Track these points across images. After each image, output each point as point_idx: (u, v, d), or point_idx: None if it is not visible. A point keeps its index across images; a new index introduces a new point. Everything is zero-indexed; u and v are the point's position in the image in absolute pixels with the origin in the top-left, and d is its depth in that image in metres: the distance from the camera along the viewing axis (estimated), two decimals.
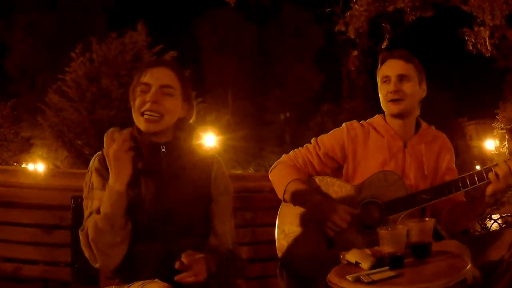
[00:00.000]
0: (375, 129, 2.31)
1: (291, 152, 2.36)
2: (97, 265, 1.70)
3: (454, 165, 2.33)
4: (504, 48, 20.12)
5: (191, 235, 1.78)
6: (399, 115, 2.25)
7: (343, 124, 2.36)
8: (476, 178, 2.04)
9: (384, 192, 2.14)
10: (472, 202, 2.15)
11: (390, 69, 2.24)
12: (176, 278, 1.59)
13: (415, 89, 2.25)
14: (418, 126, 2.32)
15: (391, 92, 2.21)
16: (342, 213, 2.06)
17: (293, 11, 34.67)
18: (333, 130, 2.36)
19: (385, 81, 2.25)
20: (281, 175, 2.25)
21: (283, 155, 2.37)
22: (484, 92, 35.32)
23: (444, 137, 2.36)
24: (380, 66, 2.31)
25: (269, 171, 2.34)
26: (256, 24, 35.28)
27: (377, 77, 2.32)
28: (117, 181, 1.65)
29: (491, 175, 2.01)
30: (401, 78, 2.22)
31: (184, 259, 1.60)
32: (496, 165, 2.01)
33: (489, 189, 2.03)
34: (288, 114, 34.07)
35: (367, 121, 2.36)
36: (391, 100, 2.22)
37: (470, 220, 2.22)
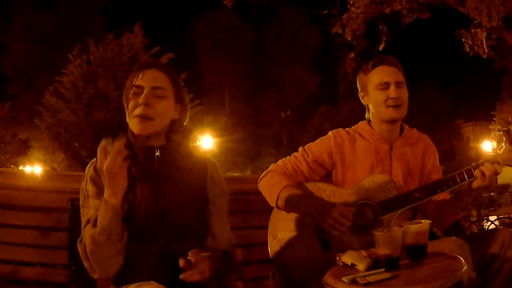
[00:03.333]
0: (360, 135, 2.35)
1: (279, 161, 2.37)
2: (95, 276, 1.70)
3: (438, 164, 2.40)
4: (501, 50, 20.21)
5: (188, 237, 1.78)
6: (394, 120, 2.30)
7: (329, 132, 2.39)
8: (465, 176, 2.11)
9: (377, 194, 2.17)
10: (456, 197, 2.21)
11: (387, 76, 2.28)
12: (181, 276, 1.59)
13: (407, 95, 2.32)
14: (401, 129, 2.38)
15: (392, 98, 2.26)
16: (342, 210, 2.06)
17: (290, 13, 34.60)
18: (320, 138, 2.40)
19: (384, 88, 2.28)
20: (272, 183, 2.26)
21: (271, 165, 2.38)
22: (481, 93, 35.51)
23: (427, 138, 2.43)
24: (371, 70, 2.33)
25: (259, 180, 2.34)
26: (253, 26, 35.27)
27: (368, 82, 2.35)
28: (113, 196, 1.63)
29: (477, 172, 2.08)
30: (398, 84, 2.28)
31: (191, 257, 1.60)
32: (483, 164, 2.08)
33: (474, 184, 2.11)
34: (288, 112, 34.03)
35: (352, 128, 2.40)
36: (393, 106, 2.26)
37: (455, 214, 2.27)
